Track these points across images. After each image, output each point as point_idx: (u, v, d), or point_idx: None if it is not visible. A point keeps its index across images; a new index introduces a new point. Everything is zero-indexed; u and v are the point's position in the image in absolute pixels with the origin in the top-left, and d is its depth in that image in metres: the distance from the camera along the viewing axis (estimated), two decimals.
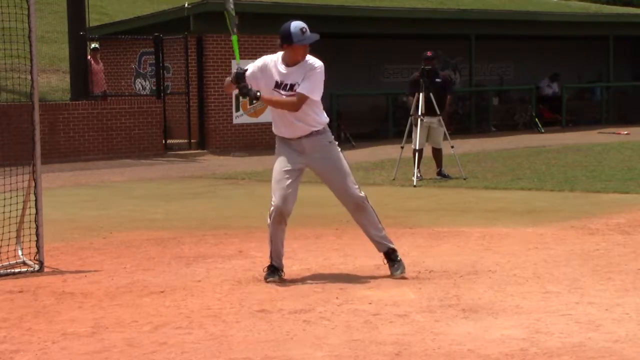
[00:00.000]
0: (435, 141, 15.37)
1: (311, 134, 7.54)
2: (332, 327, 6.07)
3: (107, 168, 18.80)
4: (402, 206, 12.08)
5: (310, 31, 7.50)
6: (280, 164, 7.61)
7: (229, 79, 7.65)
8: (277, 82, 7.51)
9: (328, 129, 7.72)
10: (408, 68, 26.47)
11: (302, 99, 7.43)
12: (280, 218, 7.50)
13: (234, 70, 7.68)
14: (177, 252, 9.04)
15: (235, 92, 7.68)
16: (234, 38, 7.69)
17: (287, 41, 7.43)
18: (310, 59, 7.52)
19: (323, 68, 7.51)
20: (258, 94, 7.49)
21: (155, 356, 5.52)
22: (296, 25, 7.44)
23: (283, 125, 7.61)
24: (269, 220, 7.55)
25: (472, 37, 27.57)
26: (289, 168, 7.54)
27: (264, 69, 7.56)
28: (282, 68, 7.51)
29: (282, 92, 7.50)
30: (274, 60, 7.58)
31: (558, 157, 18.63)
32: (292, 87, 7.46)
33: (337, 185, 7.62)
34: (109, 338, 5.92)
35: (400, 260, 7.65)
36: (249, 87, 7.47)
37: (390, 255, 7.66)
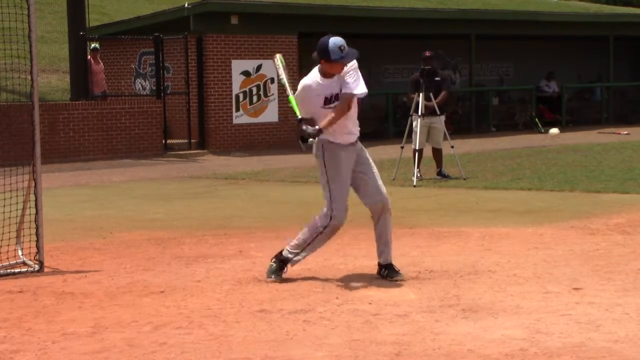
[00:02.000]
0: (435, 141, 15.37)
1: (358, 138, 7.58)
2: (332, 327, 6.07)
3: (107, 168, 18.80)
4: (402, 206, 12.07)
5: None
6: (344, 173, 7.45)
7: (307, 130, 7.37)
8: (326, 97, 7.42)
9: None
10: (408, 68, 26.49)
11: (349, 99, 7.36)
12: (337, 230, 7.47)
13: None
14: (177, 252, 9.04)
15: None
16: (291, 99, 7.58)
17: (324, 57, 7.35)
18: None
19: (356, 63, 7.44)
20: (318, 128, 7.27)
21: (155, 356, 5.52)
22: (335, 42, 7.32)
23: (342, 134, 7.48)
24: (320, 227, 7.44)
25: (472, 37, 27.58)
26: (349, 178, 7.47)
27: (309, 92, 7.44)
28: (324, 82, 7.42)
29: (332, 105, 7.39)
30: (314, 81, 7.45)
31: (558, 157, 18.63)
32: (337, 96, 7.41)
33: (373, 182, 7.54)
34: (109, 338, 5.92)
35: (399, 270, 7.60)
36: (308, 129, 7.28)
37: (390, 267, 7.60)
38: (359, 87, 7.44)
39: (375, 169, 7.61)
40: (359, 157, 7.57)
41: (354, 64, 7.44)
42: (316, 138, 7.29)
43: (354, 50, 7.43)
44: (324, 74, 7.45)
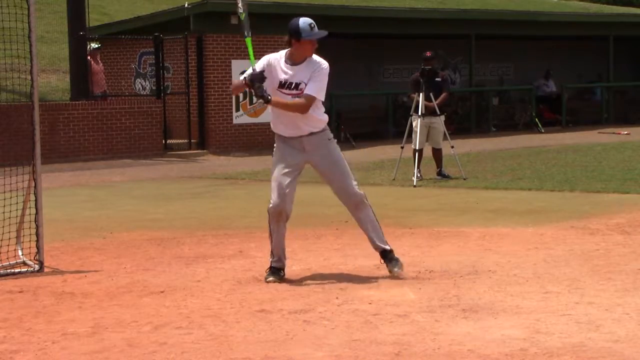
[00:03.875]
0: (435, 141, 15.37)
1: (312, 133, 7.55)
2: (332, 327, 6.07)
3: (107, 168, 18.81)
4: (402, 206, 12.08)
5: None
6: (279, 163, 7.61)
7: (238, 80, 7.62)
8: (281, 81, 7.49)
9: (327, 127, 7.72)
10: (408, 68, 26.49)
11: (311, 101, 7.43)
12: (278, 217, 7.51)
13: (237, 71, 7.69)
14: (177, 252, 9.04)
15: (241, 93, 7.64)
16: (248, 40, 7.63)
17: (295, 36, 7.42)
18: (316, 58, 7.53)
19: (328, 68, 7.51)
20: (269, 97, 7.44)
21: (155, 356, 5.52)
22: (305, 20, 7.47)
23: (283, 124, 7.61)
24: (268, 218, 7.56)
25: (472, 37, 27.57)
26: (288, 167, 7.55)
27: (268, 68, 7.52)
28: (287, 67, 7.49)
29: (286, 91, 7.48)
30: (277, 59, 7.55)
31: (558, 157, 18.63)
32: (297, 85, 7.45)
33: (337, 183, 7.63)
34: (109, 338, 5.92)
35: (397, 258, 7.65)
36: (264, 88, 7.42)
37: (387, 255, 7.67)
38: (322, 93, 7.50)
39: (340, 166, 7.59)
40: (319, 153, 7.58)
41: (327, 69, 7.49)
42: (263, 103, 7.49)
43: (323, 31, 7.52)
44: (293, 59, 7.47)
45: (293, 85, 7.46)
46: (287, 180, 7.53)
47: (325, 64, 7.51)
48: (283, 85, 7.49)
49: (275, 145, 7.76)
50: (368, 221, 7.67)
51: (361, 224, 7.73)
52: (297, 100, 7.48)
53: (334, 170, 7.61)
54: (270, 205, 7.53)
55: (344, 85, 24.56)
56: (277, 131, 7.69)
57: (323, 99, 7.57)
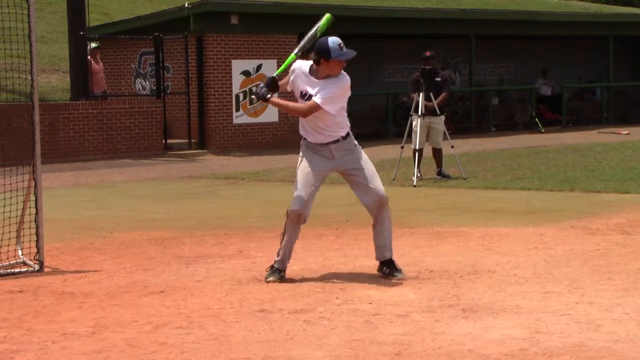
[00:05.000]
0: (435, 141, 15.37)
1: (337, 141, 7.55)
2: (332, 327, 6.07)
3: (107, 168, 18.80)
4: (402, 206, 12.07)
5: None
6: (306, 168, 7.55)
7: (262, 85, 7.56)
8: (302, 91, 7.51)
9: (351, 133, 7.69)
10: (408, 68, 26.49)
11: (313, 108, 7.41)
12: (298, 221, 7.52)
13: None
14: (177, 252, 9.04)
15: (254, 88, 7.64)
16: (292, 57, 7.63)
17: (324, 56, 7.39)
18: (343, 74, 7.51)
19: (347, 83, 7.49)
20: (268, 96, 7.46)
21: (155, 356, 5.52)
22: (334, 40, 7.42)
23: (311, 131, 7.56)
24: (286, 219, 7.56)
25: (472, 37, 27.57)
26: (315, 174, 7.52)
27: (293, 77, 7.58)
28: (311, 79, 7.48)
29: (304, 100, 7.49)
30: (304, 70, 7.53)
31: (558, 157, 18.63)
32: (310, 97, 7.46)
33: (368, 184, 7.55)
34: (109, 338, 5.92)
35: (399, 268, 7.62)
36: (260, 92, 7.46)
37: (390, 264, 7.62)
38: (329, 105, 7.41)
39: (368, 168, 7.59)
40: (347, 158, 7.57)
41: (344, 81, 7.46)
42: (259, 101, 7.56)
43: (352, 51, 7.49)
44: (318, 75, 7.47)
45: (308, 95, 7.46)
46: (312, 187, 7.51)
47: (346, 77, 7.49)
48: (304, 96, 7.50)
49: (301, 150, 7.68)
50: (386, 224, 7.63)
51: (379, 225, 7.63)
52: (297, 104, 7.48)
53: (361, 169, 7.58)
54: (291, 208, 7.51)
55: None
56: (306, 137, 7.63)
57: (331, 112, 7.44)
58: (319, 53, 7.42)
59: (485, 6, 38.26)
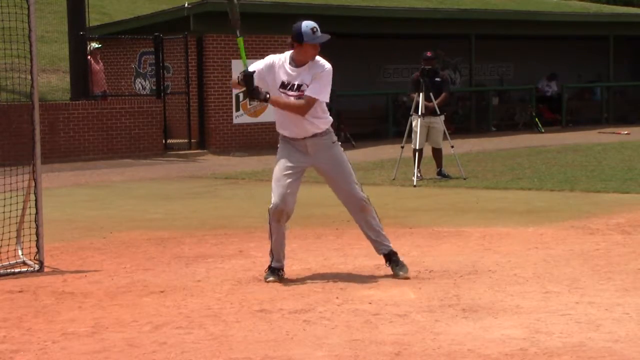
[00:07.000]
0: (435, 141, 15.37)
1: (315, 135, 7.54)
2: (332, 327, 6.07)
3: (107, 168, 18.80)
4: (402, 206, 12.08)
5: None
6: (282, 164, 7.60)
7: (236, 78, 7.61)
8: (283, 82, 7.49)
9: (331, 129, 7.70)
10: (408, 68, 26.49)
11: (311, 102, 7.42)
12: (279, 216, 7.50)
13: (237, 71, 7.66)
14: (177, 252, 9.04)
15: (243, 89, 7.61)
16: (240, 40, 7.63)
17: (297, 40, 7.41)
18: (320, 60, 7.51)
19: (331, 70, 7.50)
20: (267, 96, 7.46)
21: (155, 356, 5.52)
22: (307, 24, 7.43)
23: (287, 125, 7.59)
24: (268, 218, 7.56)
25: (472, 37, 27.58)
26: (291, 168, 7.54)
27: (270, 68, 7.53)
28: (290, 68, 7.48)
29: (289, 92, 7.48)
30: (281, 60, 7.55)
31: (558, 157, 18.63)
32: (299, 87, 7.45)
33: (340, 186, 7.61)
34: (109, 338, 5.92)
35: (402, 261, 7.65)
36: (259, 89, 7.43)
37: (392, 257, 7.66)
38: (324, 95, 7.47)
39: (345, 170, 7.58)
40: (323, 155, 7.57)
41: (330, 71, 7.46)
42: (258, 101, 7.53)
43: (326, 35, 7.48)
44: (296, 62, 7.47)
45: (295, 86, 7.46)
46: (289, 180, 7.52)
47: (328, 65, 7.50)
48: (285, 86, 7.49)
49: (279, 145, 7.73)
50: (369, 225, 7.64)
51: (364, 229, 7.70)
52: (297, 100, 7.49)
53: (337, 173, 7.59)
54: (271, 205, 7.52)
55: (344, 85, 24.59)
56: (282, 132, 7.66)
57: (327, 100, 7.55)
58: (292, 36, 7.44)
59: (485, 6, 38.26)
